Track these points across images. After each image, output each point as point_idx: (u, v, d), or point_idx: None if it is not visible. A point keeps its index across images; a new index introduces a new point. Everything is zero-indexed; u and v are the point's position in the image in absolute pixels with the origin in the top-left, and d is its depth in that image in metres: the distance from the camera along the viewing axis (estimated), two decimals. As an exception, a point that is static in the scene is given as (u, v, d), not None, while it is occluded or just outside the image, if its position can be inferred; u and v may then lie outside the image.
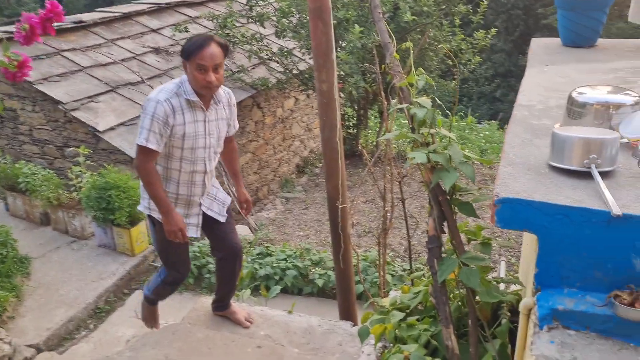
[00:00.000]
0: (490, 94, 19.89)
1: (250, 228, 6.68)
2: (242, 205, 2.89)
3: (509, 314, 2.05)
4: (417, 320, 2.12)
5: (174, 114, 2.36)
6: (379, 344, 1.92)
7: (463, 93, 19.02)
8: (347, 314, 3.17)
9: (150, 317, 3.05)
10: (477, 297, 1.89)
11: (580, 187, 1.40)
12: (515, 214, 1.36)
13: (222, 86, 2.52)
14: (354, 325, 2.73)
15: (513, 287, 2.12)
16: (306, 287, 4.76)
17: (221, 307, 3.05)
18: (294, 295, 4.79)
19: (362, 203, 7.20)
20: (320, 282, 4.59)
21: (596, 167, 1.42)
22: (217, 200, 2.73)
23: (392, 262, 4.96)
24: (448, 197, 1.89)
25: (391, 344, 1.83)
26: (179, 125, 2.38)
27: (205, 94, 2.43)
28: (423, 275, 2.37)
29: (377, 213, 6.85)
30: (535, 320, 1.34)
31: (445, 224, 1.92)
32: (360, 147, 8.71)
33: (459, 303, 2.08)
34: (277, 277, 4.72)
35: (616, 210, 1.24)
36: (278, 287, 3.23)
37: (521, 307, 1.42)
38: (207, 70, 2.31)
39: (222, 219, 2.73)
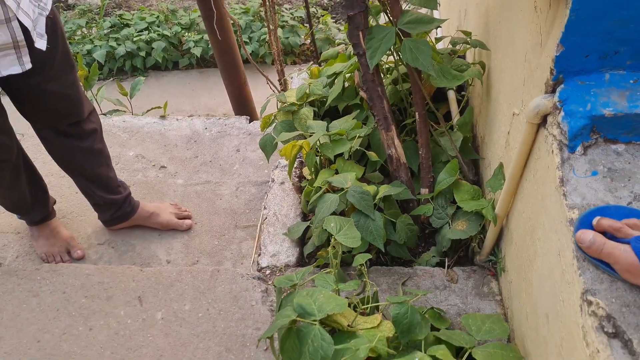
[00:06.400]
0: None
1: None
2: None
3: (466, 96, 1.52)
4: (339, 112, 1.53)
5: None
6: (295, 172, 1.35)
7: None
8: (239, 102, 2.50)
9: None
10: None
11: None
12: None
13: None
14: (251, 121, 2.11)
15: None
16: (182, 60, 3.92)
17: (119, 215, 1.62)
18: (170, 70, 3.97)
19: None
20: (197, 51, 3.76)
21: None
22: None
23: (279, 10, 4.12)
24: None
25: (313, 173, 1.27)
26: None
27: None
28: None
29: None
30: (561, 138, 0.79)
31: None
32: None
33: (390, 81, 1.49)
34: (142, 54, 3.81)
35: None
36: (141, 79, 2.43)
37: (527, 114, 0.85)
38: None
39: (42, 45, 1.21)
